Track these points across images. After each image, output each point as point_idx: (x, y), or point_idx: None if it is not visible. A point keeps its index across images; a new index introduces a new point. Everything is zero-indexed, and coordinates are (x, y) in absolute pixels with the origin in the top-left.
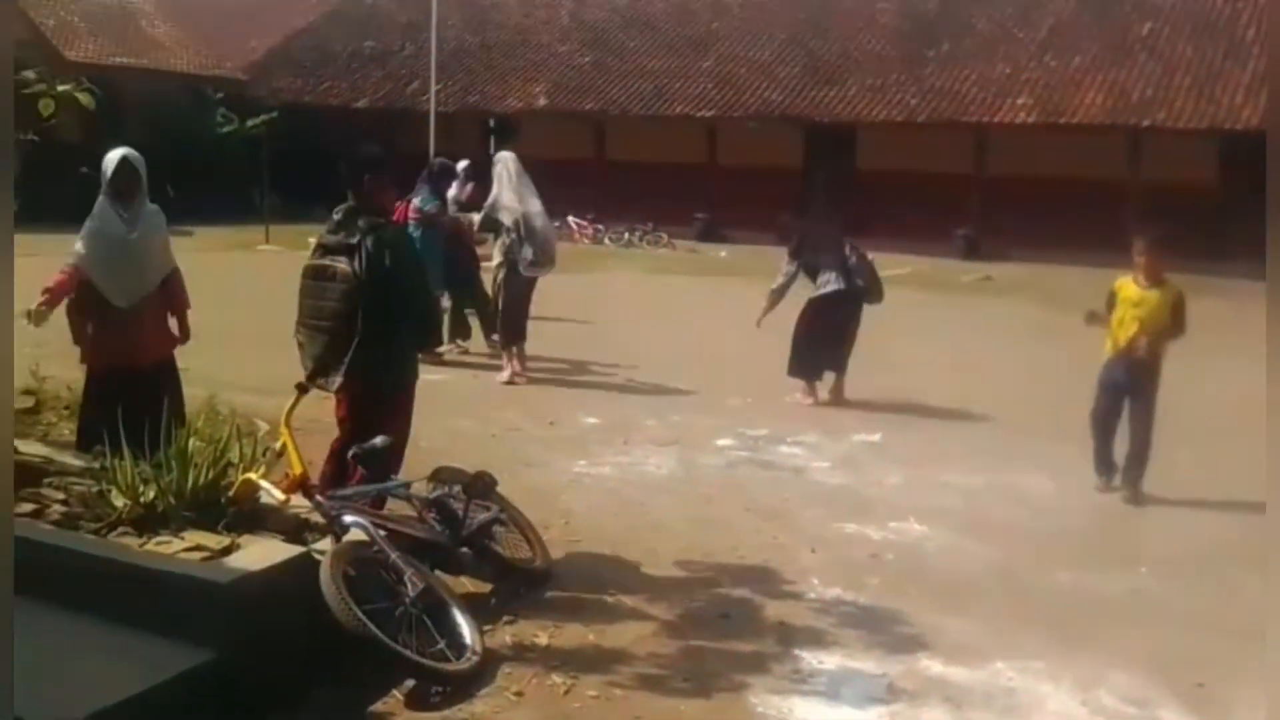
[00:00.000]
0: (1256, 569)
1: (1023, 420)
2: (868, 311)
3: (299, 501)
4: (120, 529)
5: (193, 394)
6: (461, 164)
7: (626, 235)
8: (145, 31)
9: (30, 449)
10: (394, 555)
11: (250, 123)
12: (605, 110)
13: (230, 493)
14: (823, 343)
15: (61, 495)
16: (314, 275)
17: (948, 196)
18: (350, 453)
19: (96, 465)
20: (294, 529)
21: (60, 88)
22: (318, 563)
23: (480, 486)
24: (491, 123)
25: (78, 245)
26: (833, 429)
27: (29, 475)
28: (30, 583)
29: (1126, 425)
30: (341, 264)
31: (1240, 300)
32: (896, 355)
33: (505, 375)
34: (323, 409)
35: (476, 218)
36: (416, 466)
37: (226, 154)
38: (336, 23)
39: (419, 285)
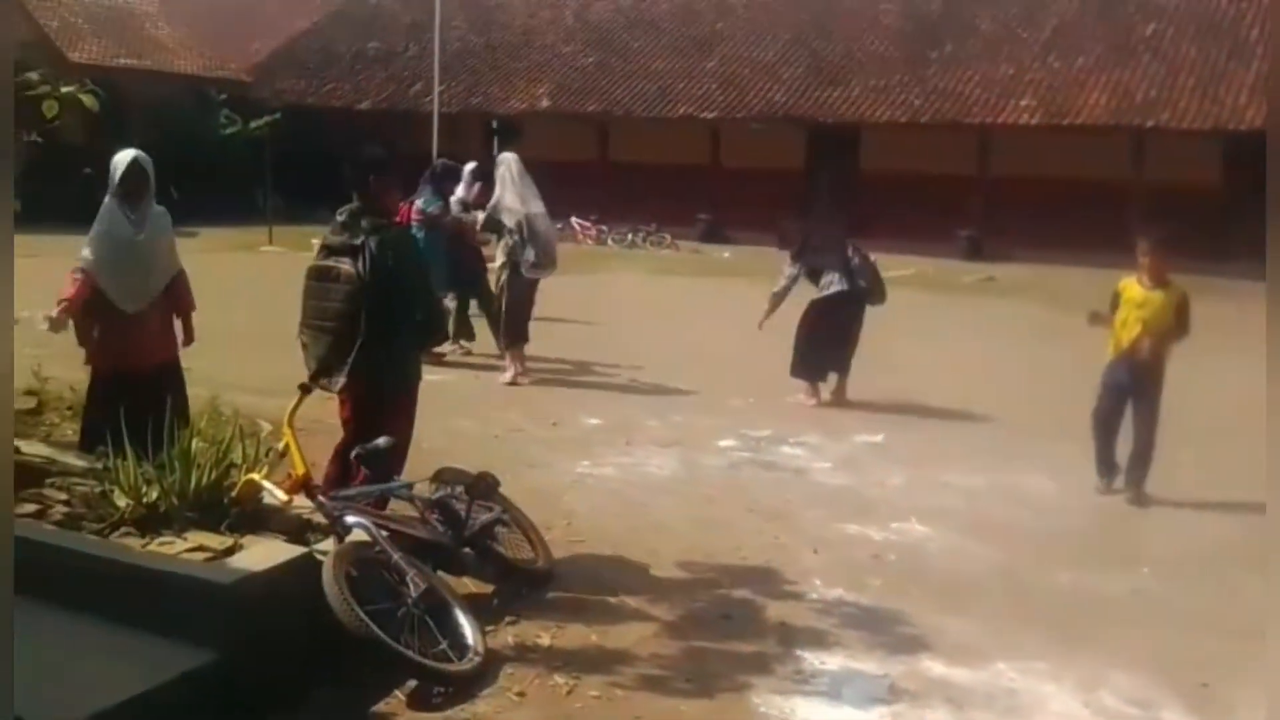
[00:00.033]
0: (1259, 569)
1: (1025, 421)
2: (870, 312)
3: (301, 502)
4: (123, 529)
5: (196, 394)
6: (469, 166)
7: (630, 236)
8: (149, 33)
9: (33, 449)
10: (396, 556)
11: (253, 124)
12: (609, 111)
13: (233, 493)
14: (825, 344)
15: (64, 496)
16: (318, 276)
17: (951, 197)
18: (353, 453)
19: (99, 466)
20: (296, 529)
21: (64, 89)
22: (320, 563)
23: (483, 487)
24: (495, 124)
25: (85, 251)
26: (835, 430)
27: (31, 476)
28: (32, 583)
29: (1128, 426)
30: (345, 265)
31: (1243, 301)
32: (899, 356)
33: (508, 376)
34: (325, 410)
35: (480, 216)
36: (419, 467)
37: (230, 155)
38: (340, 24)
39: (422, 286)
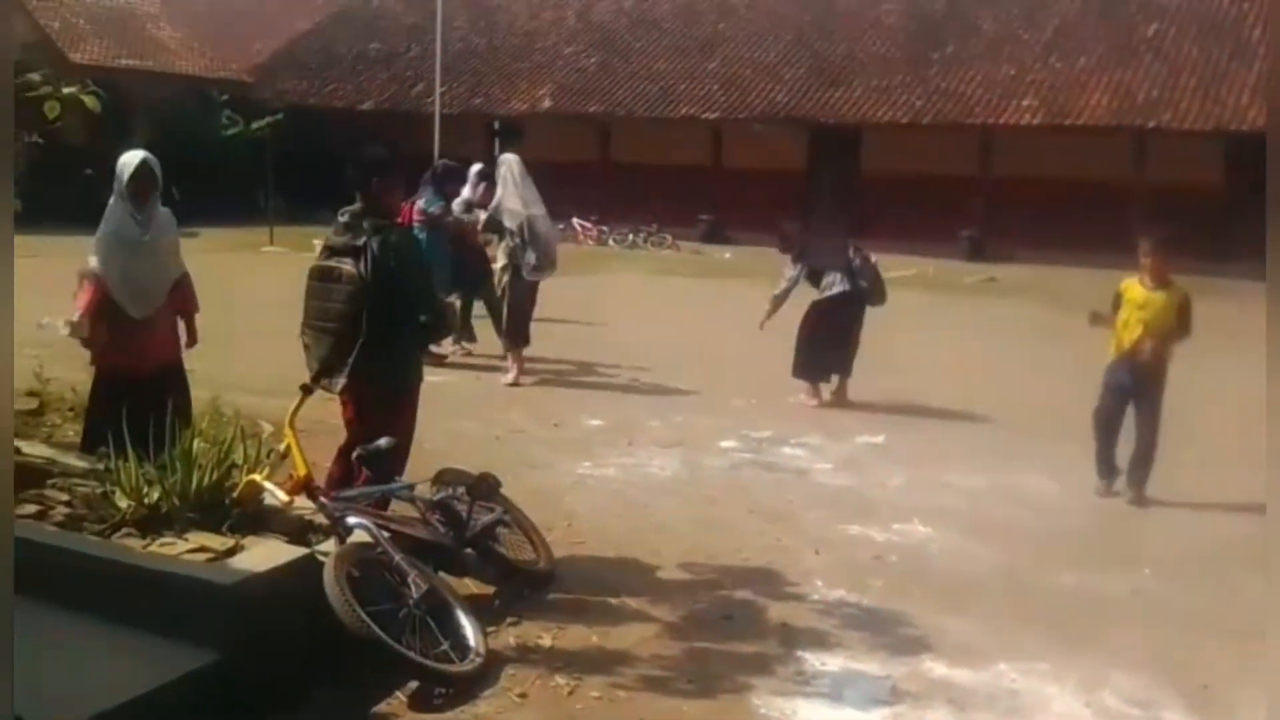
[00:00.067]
0: (1260, 570)
1: (1027, 421)
2: (872, 313)
3: (303, 503)
4: (124, 530)
5: (197, 395)
6: (475, 167)
7: (631, 237)
8: (150, 34)
9: (34, 450)
10: (398, 557)
11: (255, 125)
12: (610, 112)
13: (234, 494)
14: (827, 345)
15: (65, 497)
16: (320, 277)
17: (952, 198)
18: (354, 454)
19: (101, 467)
20: (298, 530)
21: (65, 90)
22: (321, 564)
23: (484, 488)
24: (496, 125)
25: (92, 258)
26: (836, 430)
27: (33, 477)
28: (34, 584)
29: (1129, 427)
30: (347, 266)
31: (1245, 301)
32: (900, 357)
33: (510, 377)
34: (326, 410)
35: (483, 216)
36: (421, 468)
37: (231, 156)
38: (342, 25)
39: (424, 287)
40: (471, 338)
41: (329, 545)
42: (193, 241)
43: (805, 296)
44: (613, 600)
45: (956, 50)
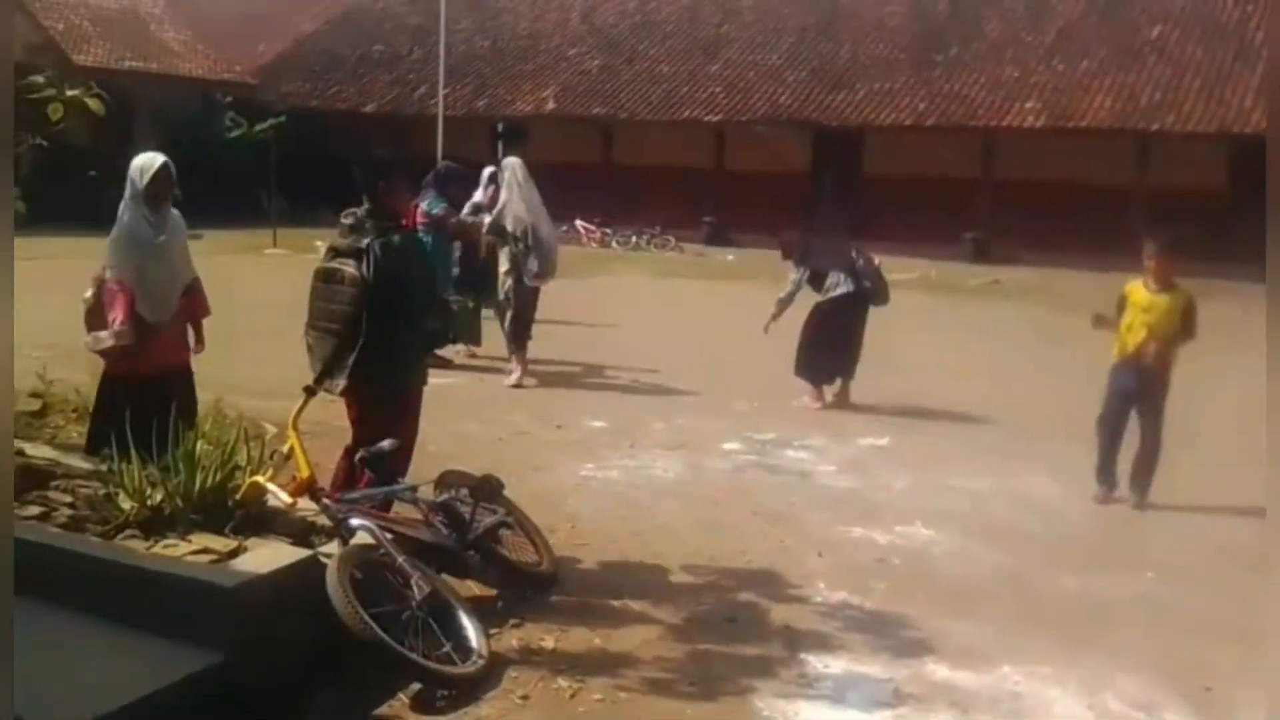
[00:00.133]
0: (1262, 572)
1: (1030, 424)
2: (875, 315)
3: (306, 504)
4: (127, 532)
5: (200, 397)
6: (487, 170)
7: (634, 239)
8: (155, 36)
9: (38, 452)
10: (400, 559)
11: (258, 127)
12: (614, 114)
13: (237, 496)
14: (830, 347)
15: (69, 498)
16: (324, 278)
17: (956, 200)
18: (357, 456)
19: (104, 468)
20: (301, 532)
21: (69, 92)
22: (324, 566)
23: (487, 490)
24: (500, 127)
25: (109, 265)
26: (839, 433)
27: (36, 478)
28: (37, 585)
29: (1132, 431)
30: (349, 267)
31: (1248, 303)
32: (904, 359)
33: (513, 379)
34: (329, 412)
35: (486, 220)
36: (423, 470)
37: (234, 158)
38: (345, 27)
39: (426, 290)
40: (477, 340)
41: (332, 547)
42: (196, 243)
43: (809, 299)
44: (615, 602)
45: (960, 53)
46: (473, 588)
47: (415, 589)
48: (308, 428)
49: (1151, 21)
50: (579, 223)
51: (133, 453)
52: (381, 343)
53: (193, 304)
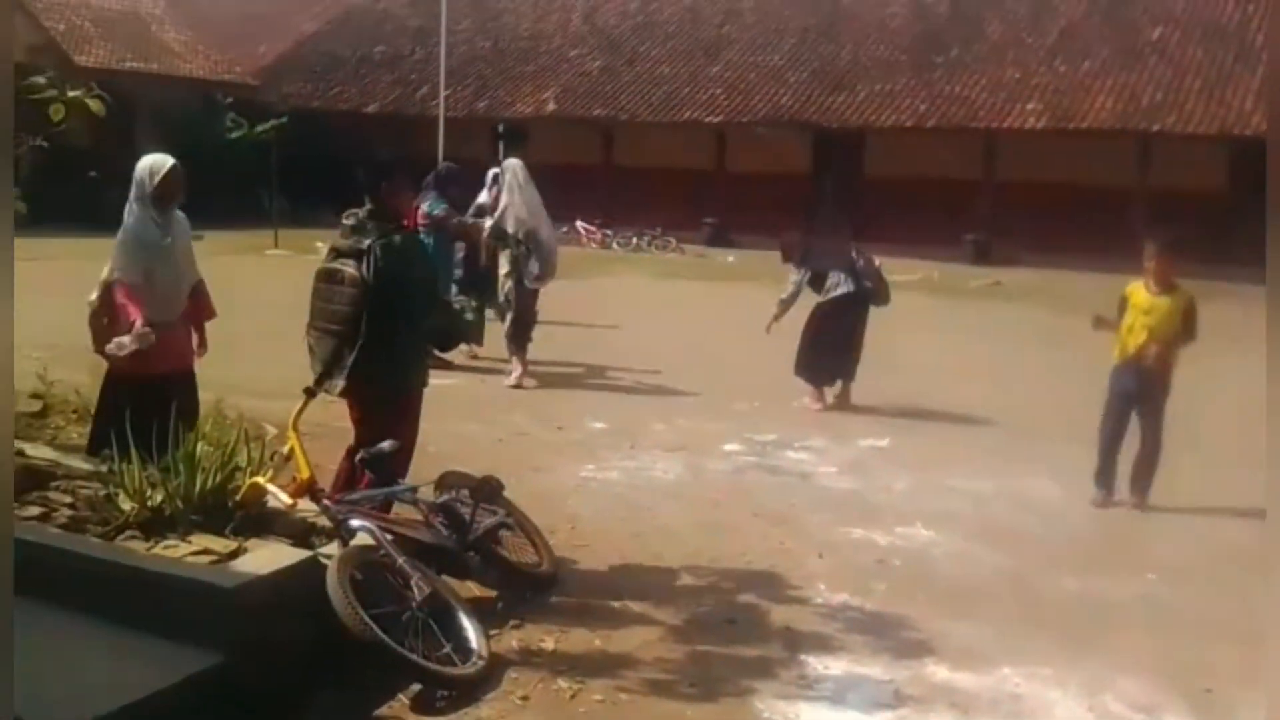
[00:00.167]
0: (1263, 574)
1: (1031, 425)
2: (876, 316)
3: (306, 506)
4: (127, 533)
5: (201, 398)
6: (491, 172)
7: (634, 240)
8: (156, 36)
9: (38, 453)
10: (401, 560)
11: (260, 128)
12: (615, 115)
13: (237, 497)
14: (831, 347)
15: (69, 499)
16: (325, 278)
17: (957, 202)
18: (357, 457)
19: (104, 469)
20: (301, 533)
21: (70, 93)
22: (324, 567)
23: (487, 491)
24: (500, 129)
25: (116, 267)
26: (840, 434)
27: (37, 479)
28: (37, 586)
29: (1132, 432)
30: (349, 268)
31: (1249, 304)
32: (904, 360)
33: (513, 379)
34: (330, 413)
35: (487, 223)
36: (424, 470)
37: (236, 159)
38: (346, 28)
39: (427, 291)
40: (480, 340)
41: (332, 548)
42: (197, 244)
43: (810, 300)
44: (615, 603)
45: (961, 54)
46: (473, 589)
47: (415, 590)
48: (308, 429)
49: (1152, 23)
50: (579, 224)
51: (133, 453)
52: (382, 343)
53: (197, 306)
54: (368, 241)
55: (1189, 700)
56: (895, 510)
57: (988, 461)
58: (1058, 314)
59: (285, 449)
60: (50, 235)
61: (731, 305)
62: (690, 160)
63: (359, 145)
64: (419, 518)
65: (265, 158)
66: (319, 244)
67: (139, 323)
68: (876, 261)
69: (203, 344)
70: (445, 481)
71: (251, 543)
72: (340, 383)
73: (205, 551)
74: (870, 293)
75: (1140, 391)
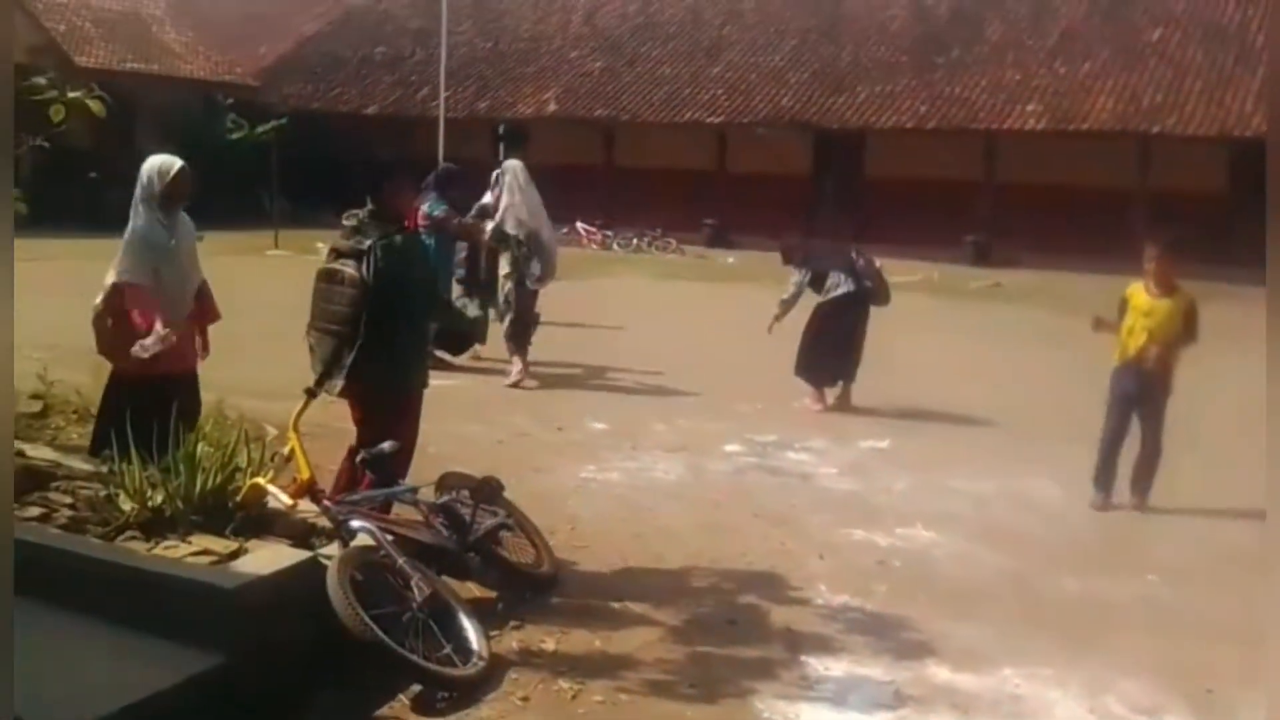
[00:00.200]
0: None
1: (1031, 426)
2: (876, 318)
3: (306, 506)
4: (128, 533)
5: (203, 398)
6: (496, 173)
7: (635, 241)
8: (157, 37)
9: (39, 453)
10: (401, 560)
11: (260, 128)
12: (615, 116)
13: (238, 497)
14: (832, 348)
15: (69, 499)
16: (325, 279)
17: (957, 203)
18: (357, 458)
19: (104, 470)
20: (301, 534)
21: (70, 94)
22: (325, 568)
23: (487, 491)
24: (501, 129)
25: (123, 269)
26: (841, 435)
27: (37, 479)
28: (37, 586)
29: (1132, 435)
30: (349, 268)
31: (1249, 305)
32: (905, 361)
33: (512, 379)
34: (330, 414)
35: (489, 224)
36: (424, 471)
37: (236, 159)
38: (347, 29)
39: (428, 291)
40: (482, 340)
41: (332, 549)
42: (199, 245)
43: (811, 300)
44: (616, 604)
45: (961, 55)
46: (473, 589)
47: (416, 591)
48: (308, 429)
49: (1153, 24)
50: (580, 224)
51: (133, 454)
52: (382, 344)
53: (202, 308)
54: (368, 242)
55: (1190, 701)
56: (896, 511)
57: (988, 462)
58: (1058, 315)
59: (286, 450)
60: (50, 235)
61: (732, 306)
62: (691, 161)
63: (359, 146)
64: (419, 518)
65: (266, 159)
66: (319, 245)
67: (159, 324)
68: (877, 262)
69: (205, 347)
70: (445, 482)
71: (252, 543)
72: (340, 383)
73: (206, 552)
74: (870, 293)
75: (1141, 393)
